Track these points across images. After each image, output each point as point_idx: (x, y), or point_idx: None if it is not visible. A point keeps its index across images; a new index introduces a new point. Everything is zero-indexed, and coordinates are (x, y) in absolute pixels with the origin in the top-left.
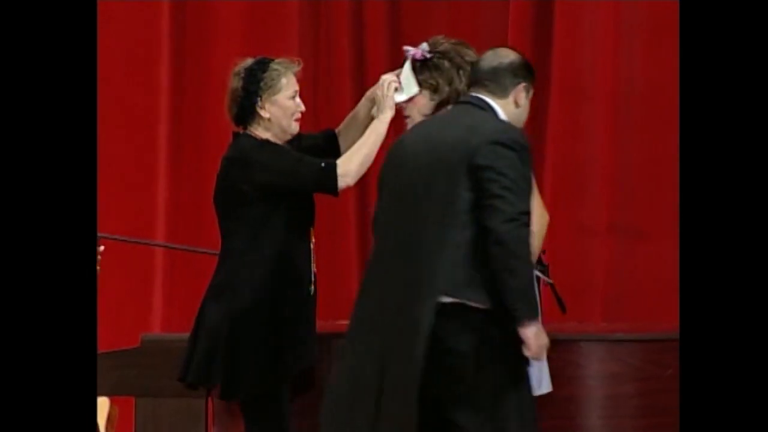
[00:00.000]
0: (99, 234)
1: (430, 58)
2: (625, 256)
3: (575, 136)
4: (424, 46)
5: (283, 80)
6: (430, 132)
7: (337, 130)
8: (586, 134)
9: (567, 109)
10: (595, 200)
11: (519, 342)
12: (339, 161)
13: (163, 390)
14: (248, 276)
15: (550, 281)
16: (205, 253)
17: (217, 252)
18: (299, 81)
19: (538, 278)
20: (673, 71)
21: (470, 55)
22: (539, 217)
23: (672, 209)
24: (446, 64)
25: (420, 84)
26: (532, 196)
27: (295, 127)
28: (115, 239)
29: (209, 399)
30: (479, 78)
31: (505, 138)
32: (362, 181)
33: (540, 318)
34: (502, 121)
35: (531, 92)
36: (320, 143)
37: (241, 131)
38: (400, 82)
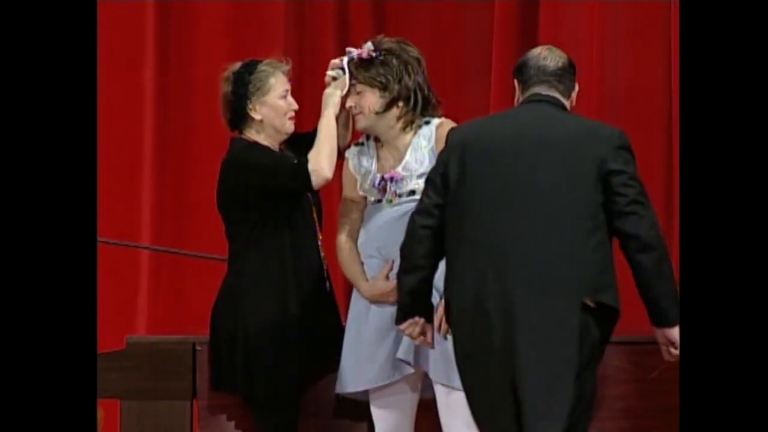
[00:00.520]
0: None
1: (377, 56)
2: None
3: None
4: (369, 45)
5: (272, 80)
6: (524, 127)
7: None
8: None
9: None
10: None
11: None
12: (309, 157)
13: (149, 392)
14: (253, 279)
15: None
16: (190, 255)
17: (203, 254)
18: (290, 80)
19: None
20: (658, 72)
21: (414, 51)
22: None
23: (659, 211)
24: (394, 60)
25: (368, 82)
26: None
27: (289, 126)
28: (100, 242)
29: (194, 401)
30: (548, 78)
31: (626, 142)
32: None
33: None
34: (607, 125)
35: None
36: (314, 139)
37: (236, 135)
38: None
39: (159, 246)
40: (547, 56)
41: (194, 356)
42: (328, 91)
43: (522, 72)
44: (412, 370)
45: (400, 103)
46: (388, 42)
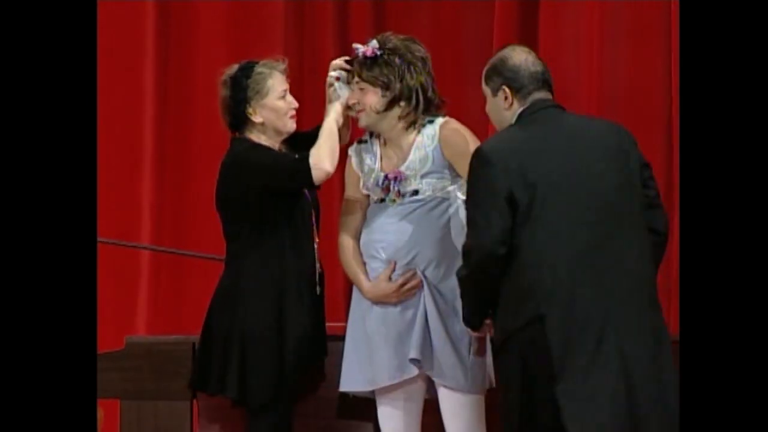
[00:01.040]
0: None
1: (380, 55)
2: None
3: None
4: (374, 43)
5: (270, 82)
6: (566, 137)
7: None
8: None
9: None
10: None
11: None
12: (310, 152)
13: (148, 392)
14: (252, 279)
15: None
16: (189, 255)
17: (202, 254)
18: (288, 77)
19: None
20: (658, 72)
21: (420, 50)
22: None
23: None
24: (397, 60)
25: (370, 81)
26: None
27: (291, 125)
28: (100, 242)
29: (194, 401)
30: (541, 83)
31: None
32: None
33: None
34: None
35: None
36: (314, 138)
37: (237, 136)
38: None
39: (159, 246)
40: (534, 61)
41: (194, 356)
42: (332, 89)
43: (515, 79)
44: (416, 372)
45: (402, 103)
46: (394, 40)
